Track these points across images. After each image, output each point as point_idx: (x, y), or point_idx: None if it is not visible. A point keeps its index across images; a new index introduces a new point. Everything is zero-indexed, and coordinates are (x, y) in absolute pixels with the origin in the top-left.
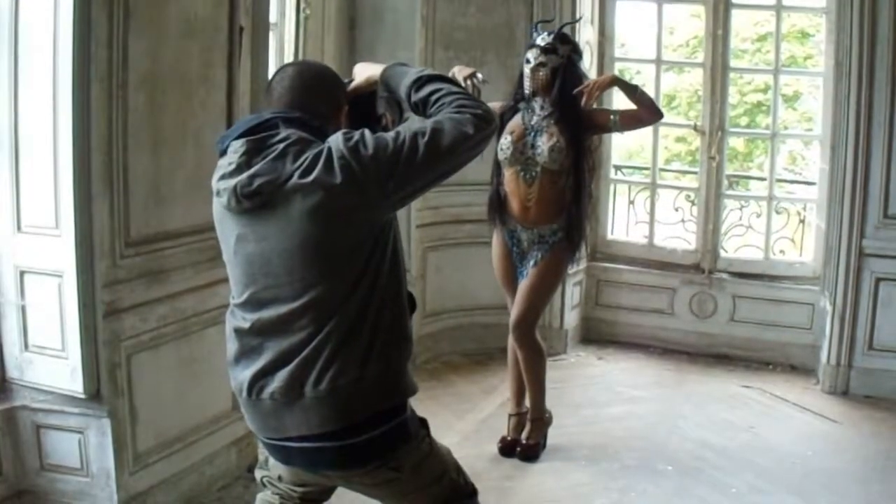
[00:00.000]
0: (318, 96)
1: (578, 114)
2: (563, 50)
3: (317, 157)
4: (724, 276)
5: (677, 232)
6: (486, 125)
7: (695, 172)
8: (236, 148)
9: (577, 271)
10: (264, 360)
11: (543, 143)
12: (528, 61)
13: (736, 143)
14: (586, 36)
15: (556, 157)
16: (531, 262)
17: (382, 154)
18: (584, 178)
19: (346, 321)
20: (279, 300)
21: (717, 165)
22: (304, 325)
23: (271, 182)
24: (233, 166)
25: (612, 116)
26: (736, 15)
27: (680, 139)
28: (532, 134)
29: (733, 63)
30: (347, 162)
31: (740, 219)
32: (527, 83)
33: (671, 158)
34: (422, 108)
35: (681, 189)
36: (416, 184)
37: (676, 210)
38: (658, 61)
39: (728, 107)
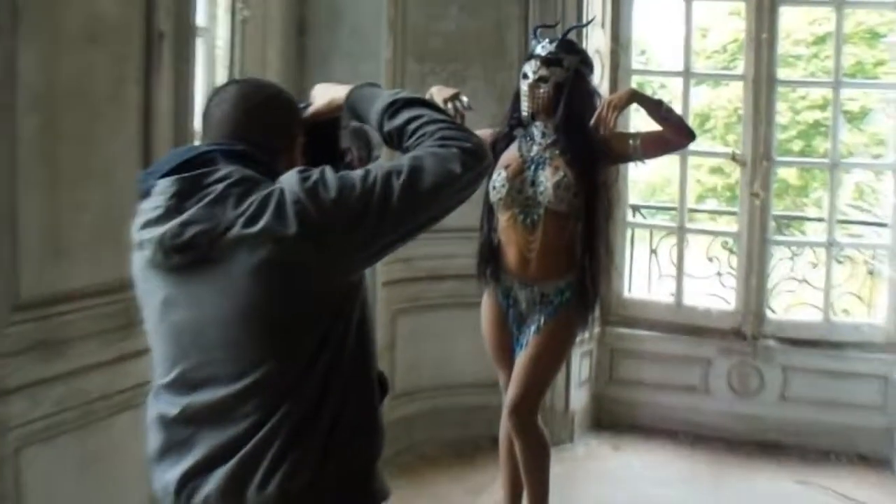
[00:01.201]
0: (268, 125)
1: (590, 140)
2: (570, 61)
3: (265, 200)
4: (773, 343)
5: (712, 288)
6: (478, 162)
7: (734, 213)
8: (164, 188)
9: (586, 339)
10: (197, 456)
11: (547, 179)
12: (525, 76)
13: (787, 174)
14: (595, 43)
15: (562, 196)
16: (532, 329)
17: (348, 198)
18: (599, 222)
19: (299, 408)
20: (216, 381)
21: (761, 204)
22: (247, 413)
23: (208, 232)
24: (159, 211)
25: (631, 141)
26: (785, 12)
27: (715, 170)
28: (532, 167)
29: (782, 73)
30: (304, 207)
31: (792, 270)
32: (524, 103)
33: (704, 195)
34: (396, 141)
35: (716, 234)
36: (390, 236)
37: (711, 261)
38: (687, 73)
39: (776, 129)
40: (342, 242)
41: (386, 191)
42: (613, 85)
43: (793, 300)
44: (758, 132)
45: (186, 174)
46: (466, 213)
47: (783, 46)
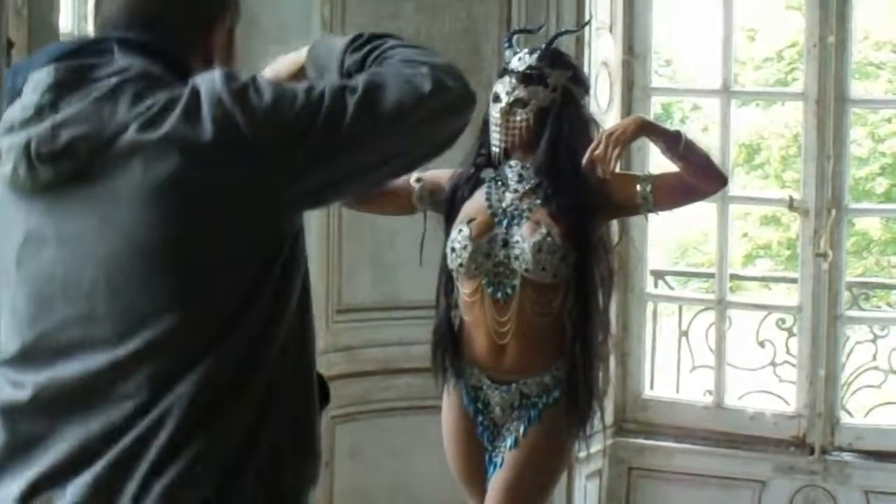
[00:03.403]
0: (182, 7)
1: (584, 185)
2: (557, 78)
3: (172, 101)
4: (849, 457)
5: (764, 383)
6: (455, 80)
7: (793, 280)
8: (38, 82)
9: (591, 454)
10: (51, 459)
11: (524, 239)
12: (496, 98)
13: (866, 224)
14: (602, 53)
15: (545, 262)
16: (509, 443)
17: (287, 108)
18: (595, 296)
19: (204, 390)
20: (89, 346)
21: (830, 267)
22: (128, 393)
23: (89, 137)
24: (28, 112)
25: (640, 187)
26: (862, 4)
27: (769, 220)
28: (505, 223)
29: (858, 89)
30: (227, 111)
31: (874, 358)
32: (495, 135)
33: (755, 255)
34: (355, 74)
35: (770, 309)
36: (343, 166)
37: (763, 345)
38: (726, 90)
39: (849, 163)
40: (277, 163)
41: (336, 105)
42: (627, 109)
43: (876, 398)
44: (824, 169)
45: (70, 62)
46: (428, 284)
47: (859, 52)
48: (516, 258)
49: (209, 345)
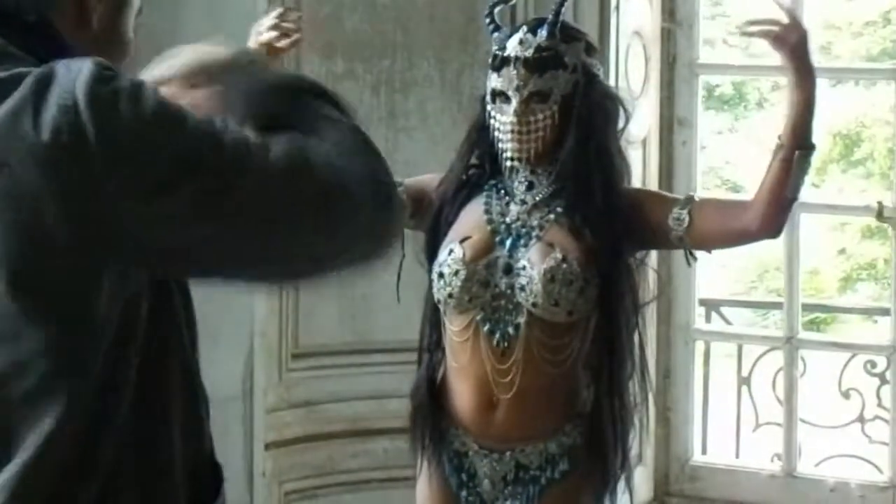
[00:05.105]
0: None
1: (618, 193)
2: (573, 54)
3: (7, 83)
4: None
5: (849, 444)
6: (389, 201)
7: (886, 312)
8: None
9: None
10: None
11: (533, 264)
12: (502, 97)
13: None
14: (634, 20)
15: (559, 294)
16: None
17: (173, 131)
18: (621, 340)
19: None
20: None
21: None
22: None
23: None
24: None
25: (676, 213)
26: None
27: (872, 233)
28: (509, 242)
29: None
30: (77, 116)
31: None
32: (510, 145)
33: (856, 277)
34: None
35: (855, 349)
36: (209, 236)
37: (847, 396)
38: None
39: None
40: (129, 200)
41: (241, 155)
42: (666, 91)
43: None
44: None
45: None
46: (410, 320)
47: None
48: (522, 289)
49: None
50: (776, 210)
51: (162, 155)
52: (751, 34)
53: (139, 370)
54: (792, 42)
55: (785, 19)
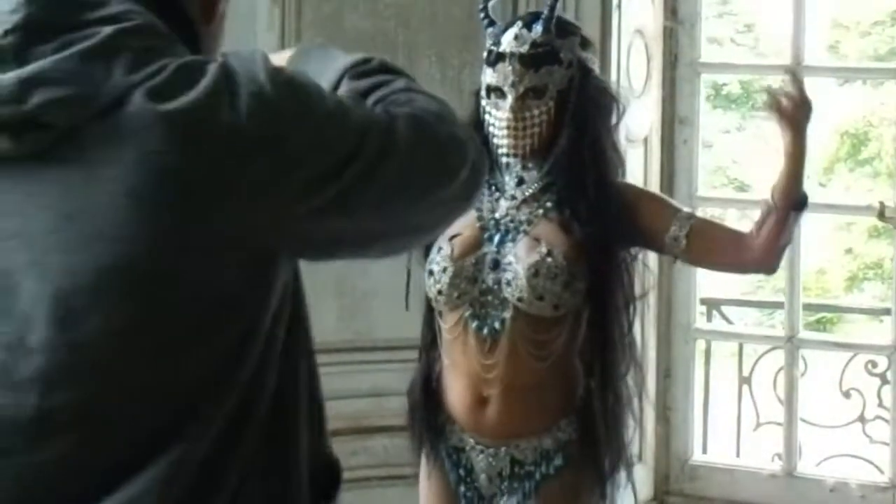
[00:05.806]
0: None
1: (611, 186)
2: (568, 49)
3: (190, 69)
4: None
5: (849, 444)
6: (480, 161)
7: (886, 312)
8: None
9: None
10: None
11: (519, 258)
12: (498, 92)
13: None
14: (636, 18)
15: (543, 289)
16: None
17: (345, 116)
18: (612, 335)
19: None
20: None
21: None
22: (51, 442)
23: (73, 102)
24: None
25: (676, 225)
26: None
27: (880, 233)
28: (497, 238)
29: None
30: (272, 102)
31: None
32: (504, 140)
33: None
34: None
35: (856, 349)
36: (356, 222)
37: (848, 396)
38: (802, 65)
39: None
40: (301, 189)
41: (385, 140)
42: (669, 90)
43: None
44: None
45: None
46: (410, 318)
47: None
48: (508, 284)
49: (183, 398)
50: (773, 255)
51: (342, 142)
52: (767, 109)
53: (280, 355)
54: (799, 119)
55: (794, 94)
